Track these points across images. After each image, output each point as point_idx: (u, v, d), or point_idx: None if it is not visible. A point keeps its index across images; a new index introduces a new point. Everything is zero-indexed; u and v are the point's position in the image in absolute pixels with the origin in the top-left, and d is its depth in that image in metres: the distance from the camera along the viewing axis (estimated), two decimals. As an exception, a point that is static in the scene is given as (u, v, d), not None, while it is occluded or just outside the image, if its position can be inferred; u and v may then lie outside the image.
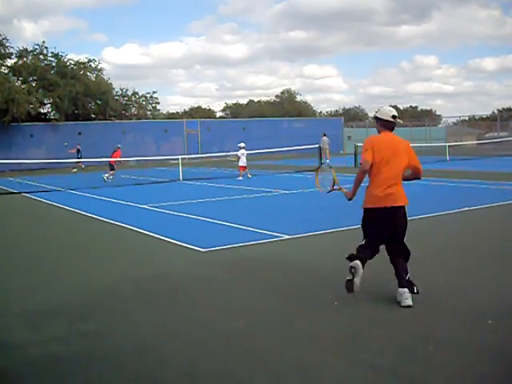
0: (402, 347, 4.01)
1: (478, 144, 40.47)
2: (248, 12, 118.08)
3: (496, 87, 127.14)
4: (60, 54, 39.60)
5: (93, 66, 41.40)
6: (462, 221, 9.45)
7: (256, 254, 7.36)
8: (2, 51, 37.33)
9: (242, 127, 41.48)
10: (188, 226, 10.00)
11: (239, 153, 20.31)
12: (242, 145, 20.56)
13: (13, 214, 13.39)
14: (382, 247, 5.19)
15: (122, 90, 45.05)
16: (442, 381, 3.47)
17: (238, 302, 5.27)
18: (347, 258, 5.10)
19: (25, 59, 38.54)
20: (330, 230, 8.73)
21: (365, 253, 5.08)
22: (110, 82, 43.45)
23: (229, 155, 28.60)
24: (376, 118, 5.23)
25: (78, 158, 28.95)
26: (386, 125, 5.13)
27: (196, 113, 65.00)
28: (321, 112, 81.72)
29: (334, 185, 5.66)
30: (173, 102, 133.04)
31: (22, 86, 36.23)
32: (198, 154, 35.03)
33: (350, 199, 5.42)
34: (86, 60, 41.07)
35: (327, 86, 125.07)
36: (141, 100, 46.17)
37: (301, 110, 63.00)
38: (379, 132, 5.20)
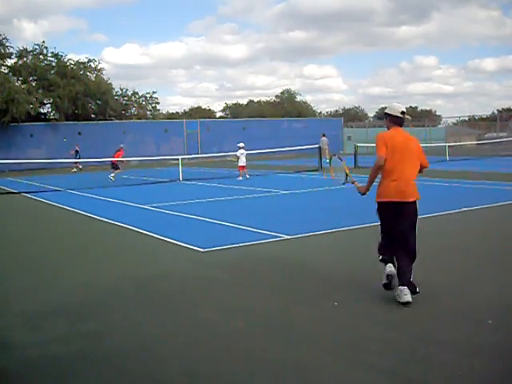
0: (401, 347, 4.02)
1: (478, 144, 40.47)
2: (248, 12, 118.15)
3: (496, 88, 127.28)
4: (60, 53, 39.62)
5: (93, 66, 41.40)
6: (462, 221, 9.46)
7: (256, 254, 7.36)
8: (2, 51, 37.31)
9: (241, 127, 41.47)
10: (188, 226, 10.00)
11: (238, 153, 20.31)
12: (241, 145, 20.56)
13: (12, 213, 13.38)
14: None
15: (121, 90, 45.08)
16: (442, 381, 3.47)
17: (238, 302, 5.27)
18: (381, 261, 5.32)
19: (25, 59, 38.52)
20: (330, 230, 8.73)
21: (390, 253, 5.23)
22: (109, 82, 43.44)
23: (228, 155, 28.61)
24: (385, 113, 5.33)
25: (76, 158, 29.12)
26: (395, 120, 5.23)
27: (196, 113, 64.94)
28: (321, 112, 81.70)
29: (347, 178, 5.74)
30: (173, 102, 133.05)
31: (22, 86, 36.21)
32: (197, 154, 35.02)
33: (363, 194, 5.48)
34: (85, 60, 41.07)
35: (327, 87, 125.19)
36: (141, 100, 46.18)
37: (301, 110, 62.95)
38: (388, 128, 5.28)
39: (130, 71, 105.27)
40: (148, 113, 47.10)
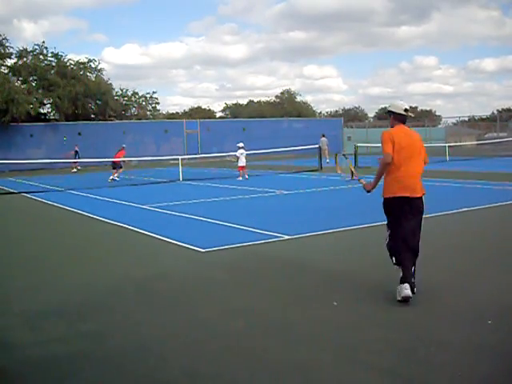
0: (402, 348, 4.02)
1: (478, 144, 40.48)
2: (248, 12, 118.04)
3: (495, 88, 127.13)
4: (60, 54, 39.63)
5: (93, 66, 41.42)
6: (462, 221, 9.46)
7: (256, 254, 7.36)
8: (2, 51, 37.32)
9: (241, 127, 41.45)
10: (188, 226, 10.00)
11: (238, 153, 20.31)
12: (241, 145, 20.56)
13: (12, 213, 13.39)
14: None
15: (121, 90, 45.10)
16: (442, 381, 3.47)
17: (237, 302, 5.27)
18: (395, 264, 5.24)
19: (25, 59, 38.53)
20: (330, 230, 8.73)
21: (403, 256, 5.12)
22: (109, 82, 43.49)
23: (228, 155, 28.61)
24: (389, 111, 5.43)
25: (75, 158, 29.22)
26: (399, 118, 5.34)
27: (196, 113, 64.93)
28: (320, 112, 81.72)
29: (352, 174, 5.77)
30: (173, 102, 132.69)
31: (22, 86, 36.24)
32: (197, 154, 35.02)
33: (368, 191, 5.54)
34: (85, 60, 41.08)
35: (327, 87, 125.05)
36: (141, 100, 46.19)
37: (301, 111, 62.97)
38: (392, 125, 5.37)
39: (129, 71, 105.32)
40: (148, 113, 47.11)
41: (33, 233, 10.24)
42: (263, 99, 74.64)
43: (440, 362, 3.71)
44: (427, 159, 5.40)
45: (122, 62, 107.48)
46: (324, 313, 4.84)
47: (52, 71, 38.82)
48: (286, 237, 8.30)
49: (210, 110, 73.41)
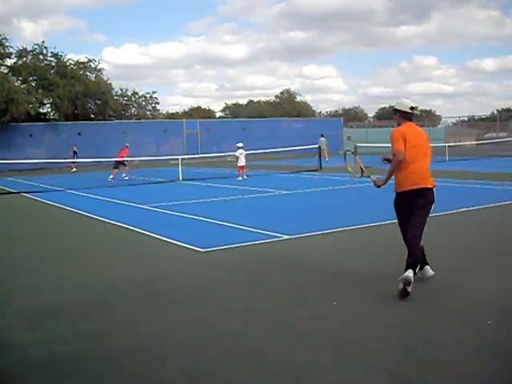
0: (401, 347, 4.02)
1: (478, 144, 40.51)
2: (247, 12, 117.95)
3: (495, 88, 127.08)
4: (60, 53, 39.68)
5: (92, 65, 41.45)
6: (461, 221, 9.46)
7: (256, 254, 7.36)
8: (2, 51, 37.32)
9: (241, 127, 41.48)
10: (188, 226, 10.00)
11: (237, 153, 20.32)
12: (240, 145, 20.57)
13: (12, 213, 13.38)
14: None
15: (121, 90, 45.12)
16: (441, 381, 3.47)
17: (237, 302, 5.27)
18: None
19: (24, 59, 38.54)
20: (329, 230, 8.73)
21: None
22: (109, 82, 43.50)
23: (228, 155, 28.61)
24: (395, 110, 5.58)
25: (73, 158, 29.29)
26: (405, 116, 5.51)
27: (196, 113, 64.90)
28: (320, 112, 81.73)
29: (362, 172, 5.85)
30: (172, 102, 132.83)
31: (22, 86, 36.25)
32: (197, 154, 35.03)
33: (378, 186, 5.66)
34: (85, 60, 41.12)
35: (327, 87, 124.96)
36: (140, 100, 46.19)
37: (300, 111, 62.98)
38: (399, 124, 5.53)
39: (129, 71, 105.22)
40: (148, 113, 47.12)
41: (33, 233, 10.24)
42: (263, 99, 74.77)
43: (439, 362, 3.71)
44: (431, 155, 5.57)
45: (121, 61, 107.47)
46: (324, 313, 4.84)
47: (52, 71, 38.85)
48: (286, 237, 8.31)
49: (209, 109, 73.42)
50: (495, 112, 65.76)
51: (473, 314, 4.67)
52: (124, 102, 45.28)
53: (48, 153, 32.71)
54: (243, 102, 75.25)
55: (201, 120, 43.35)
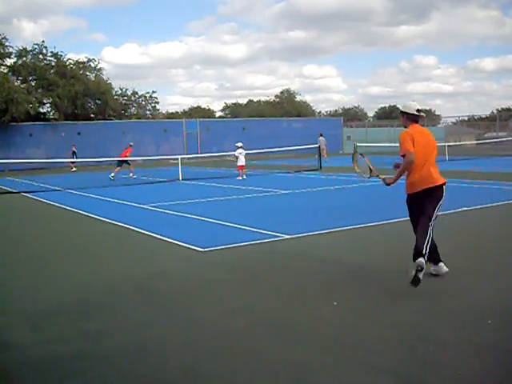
0: (401, 347, 4.02)
1: (477, 144, 40.53)
2: (247, 12, 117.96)
3: (495, 87, 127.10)
4: (59, 53, 39.70)
5: (92, 65, 41.47)
6: (461, 221, 9.45)
7: (256, 253, 7.36)
8: (2, 51, 37.32)
9: (241, 127, 41.49)
10: (188, 226, 10.00)
11: (237, 152, 20.32)
12: (240, 144, 20.57)
13: (12, 213, 13.38)
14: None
15: (121, 89, 45.19)
16: (441, 381, 3.47)
17: (238, 302, 5.27)
18: (428, 260, 5.52)
19: (24, 59, 38.55)
20: (330, 229, 8.73)
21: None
22: (109, 81, 43.54)
23: (228, 155, 28.60)
24: (402, 112, 5.67)
25: (73, 158, 29.35)
26: (412, 118, 5.61)
27: (195, 113, 64.91)
28: (320, 112, 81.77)
29: (371, 171, 5.89)
30: (172, 101, 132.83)
31: (22, 86, 36.27)
32: (197, 153, 35.03)
33: (388, 184, 5.73)
34: (85, 60, 41.16)
35: (326, 86, 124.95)
36: (140, 100, 46.21)
37: (300, 110, 62.98)
38: (406, 126, 5.63)
39: (129, 71, 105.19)
40: (147, 112, 47.15)
41: (33, 232, 10.24)
42: (263, 99, 74.79)
43: (439, 362, 3.71)
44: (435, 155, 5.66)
45: (121, 61, 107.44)
46: (324, 313, 4.84)
47: (51, 71, 38.85)
48: (286, 236, 8.30)
49: (209, 109, 73.42)
50: (495, 111, 65.77)
51: (473, 314, 4.67)
52: (124, 101, 45.33)
53: (48, 152, 32.73)
54: (243, 101, 75.36)
55: (201, 120, 43.35)
